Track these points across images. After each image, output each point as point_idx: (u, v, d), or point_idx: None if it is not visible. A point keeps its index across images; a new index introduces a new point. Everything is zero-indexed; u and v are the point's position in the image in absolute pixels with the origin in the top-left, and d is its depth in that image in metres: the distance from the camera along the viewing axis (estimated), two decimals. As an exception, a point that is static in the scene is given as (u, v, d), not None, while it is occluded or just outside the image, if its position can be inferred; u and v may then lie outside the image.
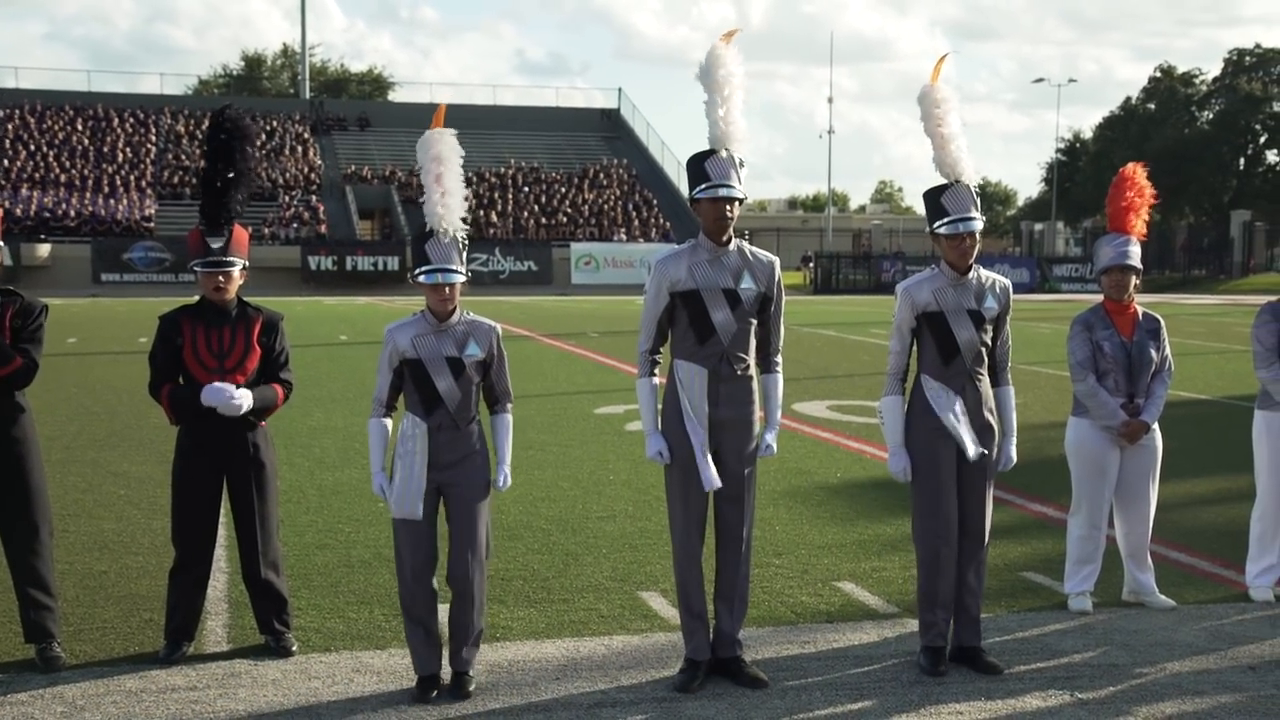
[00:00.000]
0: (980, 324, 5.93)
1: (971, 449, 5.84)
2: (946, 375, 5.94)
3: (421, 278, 5.49)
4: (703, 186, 5.63)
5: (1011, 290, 6.06)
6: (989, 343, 6.00)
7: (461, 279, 5.52)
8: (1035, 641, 6.31)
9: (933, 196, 5.96)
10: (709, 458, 5.61)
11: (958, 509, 5.96)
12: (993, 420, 6.02)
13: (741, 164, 5.69)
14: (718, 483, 5.60)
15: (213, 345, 6.00)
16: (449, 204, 5.54)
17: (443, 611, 5.76)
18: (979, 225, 5.91)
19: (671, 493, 5.79)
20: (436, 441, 5.54)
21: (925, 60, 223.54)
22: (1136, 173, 6.96)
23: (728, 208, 5.63)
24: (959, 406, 5.91)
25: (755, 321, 5.75)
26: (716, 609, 5.85)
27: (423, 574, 5.57)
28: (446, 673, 5.63)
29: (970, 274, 5.96)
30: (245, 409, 5.90)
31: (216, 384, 5.87)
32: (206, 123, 6.56)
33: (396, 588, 5.69)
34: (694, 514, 5.74)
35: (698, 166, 5.67)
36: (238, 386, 5.94)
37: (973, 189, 5.95)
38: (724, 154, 5.66)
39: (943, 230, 5.90)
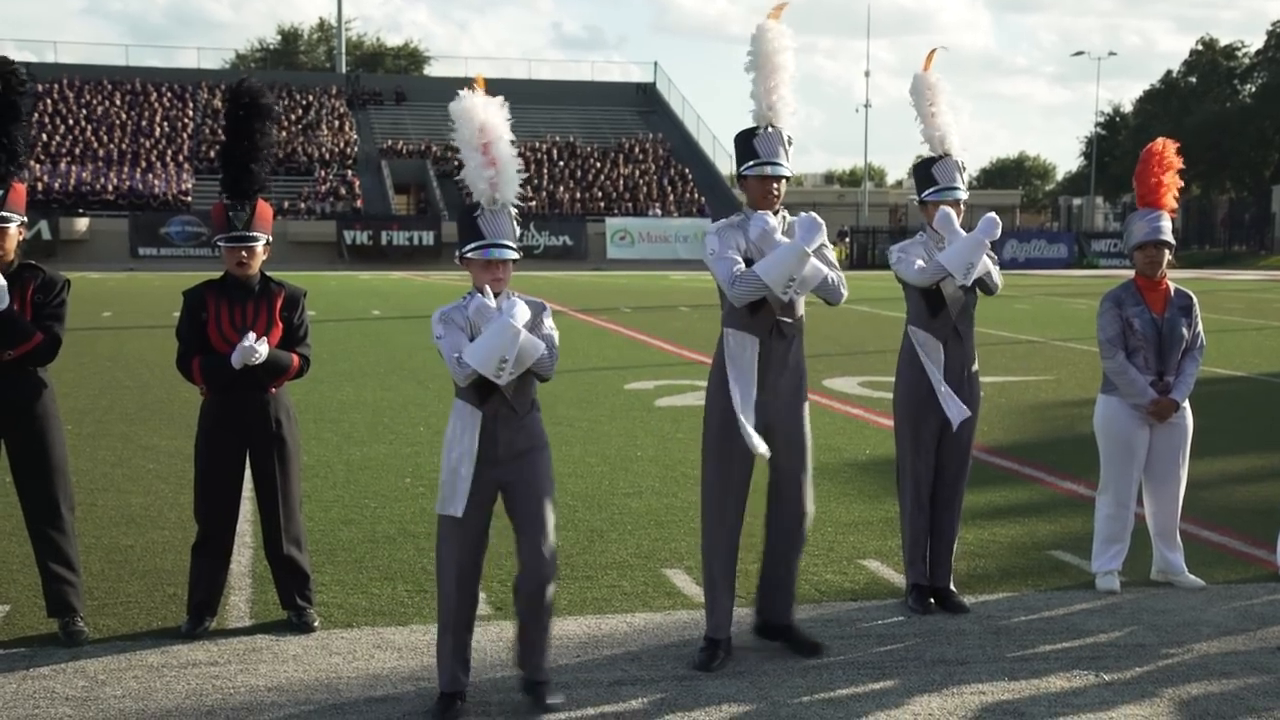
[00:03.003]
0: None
1: (955, 417, 6.34)
2: (933, 326, 6.46)
3: (471, 254, 4.95)
4: (750, 164, 5.63)
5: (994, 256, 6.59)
6: (974, 299, 6.54)
7: (515, 256, 5.00)
8: (1061, 621, 6.26)
9: (923, 168, 6.57)
10: (752, 425, 5.55)
11: (938, 453, 6.54)
12: (974, 372, 6.55)
13: (790, 141, 5.69)
14: (764, 448, 5.51)
15: (236, 320, 5.99)
16: (499, 178, 5.02)
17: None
18: (964, 195, 6.53)
19: (709, 462, 5.73)
20: (492, 432, 5.01)
21: (966, 32, 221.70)
22: (1166, 147, 6.87)
23: (775, 185, 5.63)
24: (941, 364, 6.41)
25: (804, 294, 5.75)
26: (774, 581, 5.84)
27: (467, 579, 5.06)
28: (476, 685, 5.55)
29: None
30: (263, 357, 5.87)
31: (239, 344, 5.87)
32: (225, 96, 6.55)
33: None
34: (734, 487, 5.68)
35: (746, 143, 5.66)
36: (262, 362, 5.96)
37: (959, 162, 6.53)
38: (771, 130, 5.65)
39: (930, 198, 6.49)
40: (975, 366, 6.59)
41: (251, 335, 5.87)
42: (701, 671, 5.53)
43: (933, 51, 6.69)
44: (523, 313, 4.85)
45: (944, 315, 6.43)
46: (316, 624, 6.07)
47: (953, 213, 6.36)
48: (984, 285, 6.43)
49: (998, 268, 6.48)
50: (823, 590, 6.74)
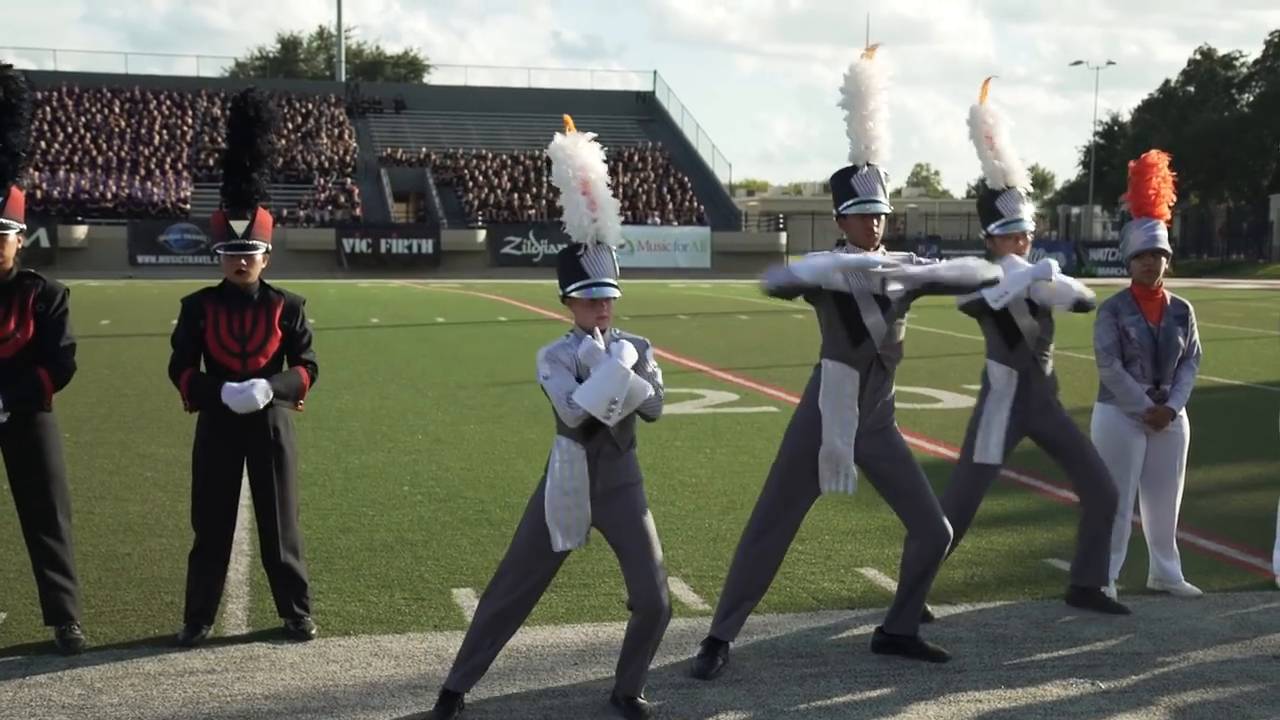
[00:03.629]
0: (1036, 311, 6.40)
1: (994, 453, 6.44)
2: (1010, 359, 6.45)
3: (576, 293, 4.96)
4: (849, 203, 5.71)
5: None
6: (1051, 330, 6.53)
7: (618, 294, 5.01)
8: (1058, 629, 6.27)
9: (988, 200, 6.61)
10: (844, 461, 5.66)
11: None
12: (1054, 396, 6.56)
13: (887, 177, 5.79)
14: (835, 486, 5.68)
15: (234, 328, 6.00)
16: (601, 217, 5.04)
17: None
18: (1031, 225, 6.60)
19: (776, 481, 5.82)
20: (594, 468, 5.04)
21: (966, 42, 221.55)
22: (1160, 159, 6.90)
23: (875, 222, 5.71)
24: (1010, 400, 6.44)
25: (904, 320, 5.81)
26: (912, 595, 5.86)
27: (530, 602, 5.20)
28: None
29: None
30: (263, 403, 5.89)
31: (234, 385, 5.86)
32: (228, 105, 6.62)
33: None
34: (792, 512, 5.80)
35: (843, 183, 5.75)
36: (258, 371, 5.96)
37: (1024, 193, 6.56)
38: (869, 169, 5.74)
39: (998, 231, 6.54)
40: (1059, 396, 6.64)
41: (248, 388, 5.85)
42: (699, 679, 5.55)
43: (987, 81, 6.69)
44: (630, 354, 4.88)
45: (1021, 348, 6.43)
46: (314, 632, 6.07)
47: (1018, 258, 6.43)
48: (1082, 305, 6.48)
49: (1077, 284, 6.45)
50: (820, 598, 6.74)
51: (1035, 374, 6.48)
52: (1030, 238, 6.58)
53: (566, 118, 5.35)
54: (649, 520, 5.15)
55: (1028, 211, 6.58)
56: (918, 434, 11.57)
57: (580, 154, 5.12)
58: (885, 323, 5.67)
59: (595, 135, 5.20)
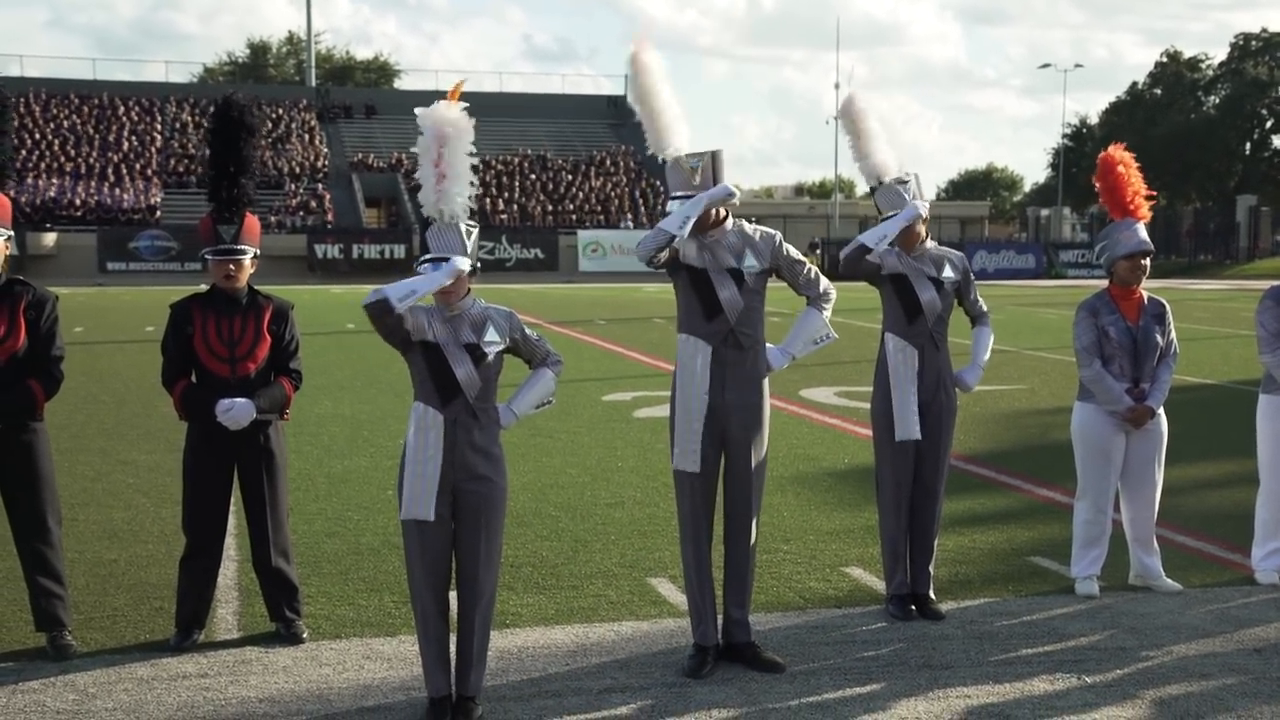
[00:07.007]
0: (939, 289, 6.52)
1: (899, 431, 6.46)
2: (909, 333, 6.52)
3: (423, 268, 5.07)
4: (683, 193, 5.72)
5: (967, 260, 6.75)
6: (950, 307, 6.60)
7: (466, 266, 5.05)
8: (1043, 625, 6.34)
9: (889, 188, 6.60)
10: (699, 436, 5.64)
11: (916, 462, 6.58)
12: (949, 382, 6.61)
13: (714, 159, 5.72)
14: (693, 465, 5.64)
15: (223, 333, 6.02)
16: (446, 188, 5.04)
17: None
18: (925, 211, 6.52)
19: (680, 478, 5.82)
20: (453, 436, 5.09)
21: (936, 45, 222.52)
22: (1123, 154, 6.97)
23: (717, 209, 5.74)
24: (912, 375, 6.48)
25: (761, 297, 5.83)
26: (725, 595, 5.88)
27: (437, 584, 5.15)
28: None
29: (926, 243, 6.61)
30: (247, 423, 5.90)
31: (224, 402, 5.88)
32: (212, 111, 6.58)
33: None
34: (702, 500, 5.77)
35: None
36: (247, 377, 5.97)
37: (911, 175, 6.58)
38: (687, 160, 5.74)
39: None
40: (952, 375, 6.66)
41: (236, 407, 5.89)
42: (690, 678, 5.59)
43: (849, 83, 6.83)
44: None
45: (920, 322, 6.51)
46: (305, 636, 6.09)
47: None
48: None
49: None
50: (807, 598, 6.80)
51: (930, 351, 6.54)
52: (927, 220, 6.55)
53: (453, 87, 5.23)
54: (501, 499, 5.18)
55: (921, 197, 6.54)
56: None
57: (438, 124, 5.08)
58: (740, 298, 5.71)
59: (466, 105, 5.12)
